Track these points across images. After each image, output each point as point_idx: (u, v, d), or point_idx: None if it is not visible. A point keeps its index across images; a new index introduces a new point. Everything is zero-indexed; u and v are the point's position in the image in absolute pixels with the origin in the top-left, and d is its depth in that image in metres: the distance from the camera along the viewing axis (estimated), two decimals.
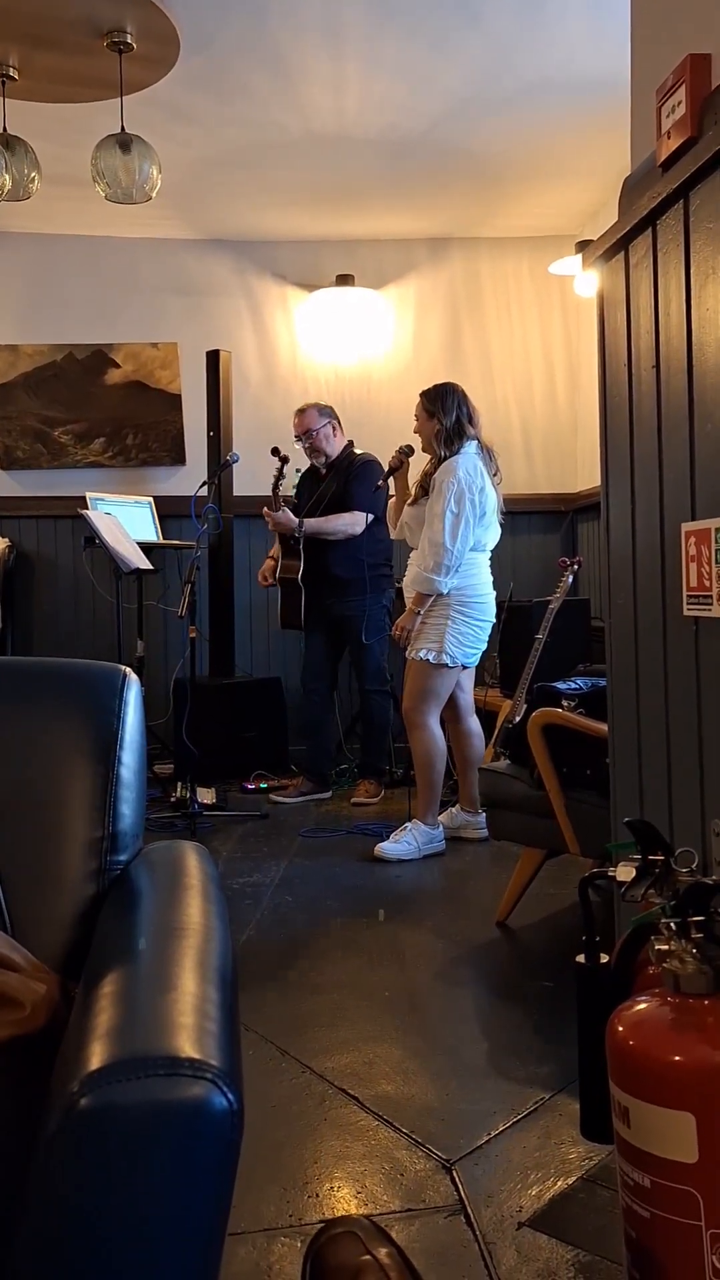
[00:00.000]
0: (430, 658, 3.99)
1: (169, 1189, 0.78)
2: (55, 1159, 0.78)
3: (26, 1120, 1.09)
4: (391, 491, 4.44)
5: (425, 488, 4.08)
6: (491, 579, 4.16)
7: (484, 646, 4.14)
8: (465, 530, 3.92)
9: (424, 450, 4.18)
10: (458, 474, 3.93)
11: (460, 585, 3.99)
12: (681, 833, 1.79)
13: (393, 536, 4.57)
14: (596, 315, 2.10)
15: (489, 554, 4.14)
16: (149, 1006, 0.94)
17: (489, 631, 4.14)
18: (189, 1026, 0.88)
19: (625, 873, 1.31)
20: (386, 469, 4.35)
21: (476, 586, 4.06)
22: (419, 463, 4.29)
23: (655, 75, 1.77)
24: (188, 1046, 0.83)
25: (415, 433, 4.18)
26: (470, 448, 4.02)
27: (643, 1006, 1.16)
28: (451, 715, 4.19)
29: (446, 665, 4.01)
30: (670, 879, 1.29)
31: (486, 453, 4.08)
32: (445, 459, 3.99)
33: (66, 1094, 0.79)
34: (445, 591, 3.96)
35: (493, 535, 4.10)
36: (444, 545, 3.89)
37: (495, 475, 4.08)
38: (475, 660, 4.15)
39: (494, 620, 4.17)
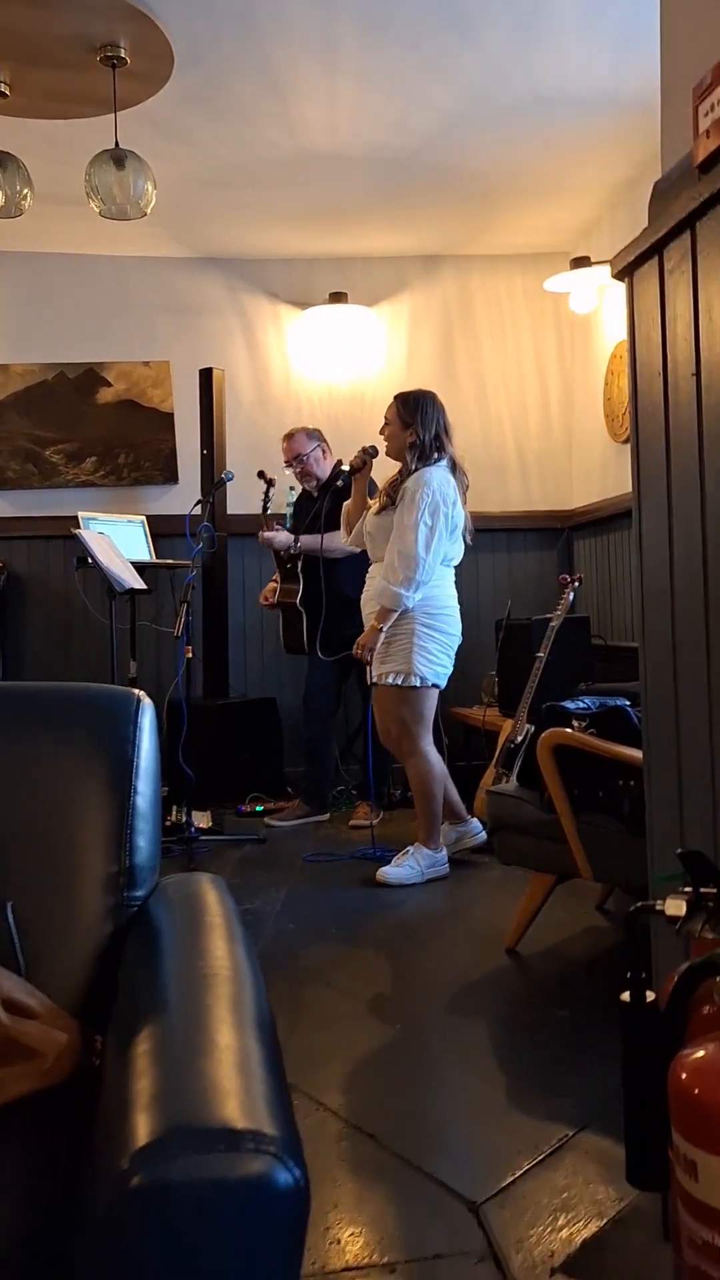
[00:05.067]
0: (398, 681, 3.86)
1: (231, 1273, 0.71)
2: (108, 1241, 0.71)
3: (52, 1175, 1.02)
4: (350, 494, 4.28)
5: (392, 497, 3.90)
6: (456, 595, 4.01)
7: (452, 666, 3.99)
8: (438, 543, 3.80)
9: (390, 456, 4.02)
10: (431, 485, 3.80)
11: (426, 598, 3.85)
12: None
13: (347, 543, 4.35)
14: (626, 323, 2.05)
15: (453, 571, 4.01)
16: (190, 1068, 0.87)
17: (456, 649, 4.00)
18: (235, 1091, 0.82)
19: (675, 907, 1.24)
20: (348, 468, 4.22)
21: (441, 599, 3.92)
22: (382, 466, 4.15)
23: (688, 76, 1.72)
24: (241, 1117, 0.77)
25: (381, 434, 4.03)
26: (443, 462, 3.90)
27: (708, 1051, 1.09)
28: None
29: (416, 686, 3.88)
30: None
31: (458, 469, 3.95)
32: (415, 470, 3.85)
33: (116, 1171, 0.72)
34: (410, 606, 3.83)
35: (458, 551, 3.97)
36: (417, 556, 3.75)
37: (465, 492, 3.95)
38: (445, 681, 3.99)
39: (461, 638, 4.02)
